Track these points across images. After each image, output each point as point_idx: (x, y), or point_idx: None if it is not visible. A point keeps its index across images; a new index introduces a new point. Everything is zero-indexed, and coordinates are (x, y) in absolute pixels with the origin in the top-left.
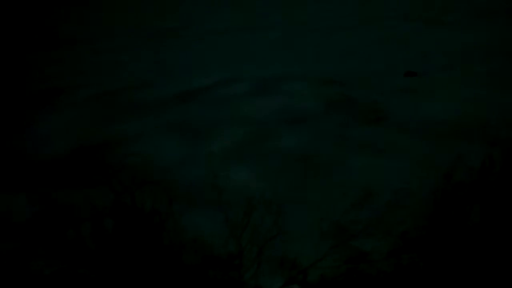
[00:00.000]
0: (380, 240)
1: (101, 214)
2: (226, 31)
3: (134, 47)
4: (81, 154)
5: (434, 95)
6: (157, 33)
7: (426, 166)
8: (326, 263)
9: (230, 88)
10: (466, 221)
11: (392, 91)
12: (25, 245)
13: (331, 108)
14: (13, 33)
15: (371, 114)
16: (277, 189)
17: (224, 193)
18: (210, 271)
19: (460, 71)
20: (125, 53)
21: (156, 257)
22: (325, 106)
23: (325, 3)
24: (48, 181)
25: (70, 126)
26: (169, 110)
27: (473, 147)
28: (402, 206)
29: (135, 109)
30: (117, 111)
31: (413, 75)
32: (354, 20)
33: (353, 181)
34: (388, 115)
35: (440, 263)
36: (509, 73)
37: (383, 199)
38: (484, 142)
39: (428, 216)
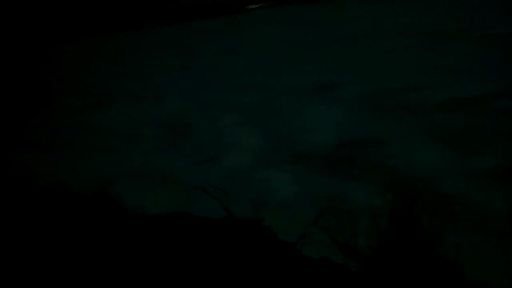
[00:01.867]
0: None
1: (376, 214)
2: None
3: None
4: (344, 148)
5: None
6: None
7: None
8: None
9: (499, 103)
10: None
11: None
12: None
13: None
14: None
15: None
16: None
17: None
18: None
19: None
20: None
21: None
22: None
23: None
24: (312, 168)
25: (336, 120)
26: (434, 117)
27: None
28: None
29: (399, 111)
30: (381, 111)
31: None
32: None
33: None
34: None
35: None
36: None
37: None
38: None
39: None
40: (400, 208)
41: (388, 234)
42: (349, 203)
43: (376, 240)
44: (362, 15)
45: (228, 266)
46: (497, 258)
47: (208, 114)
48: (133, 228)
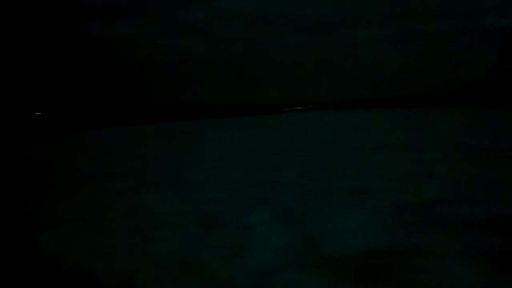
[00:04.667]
0: None
1: None
2: None
3: None
4: (370, 256)
5: None
6: None
7: None
8: None
9: None
10: None
11: None
12: None
13: None
14: None
15: None
16: None
17: None
18: None
19: None
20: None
21: None
22: None
23: None
24: (338, 274)
25: (369, 227)
26: (475, 234)
27: None
28: None
29: (436, 225)
30: (418, 222)
31: None
32: None
33: None
34: None
35: None
36: None
37: None
38: None
39: None
40: None
41: None
42: None
43: None
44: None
45: None
46: None
47: (240, 209)
48: None
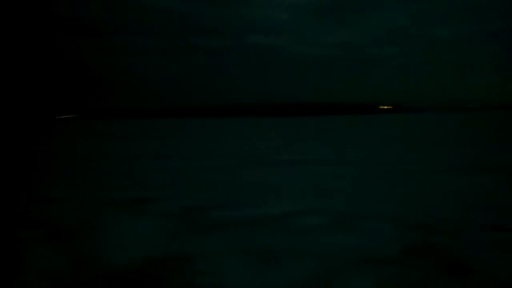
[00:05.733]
0: None
1: None
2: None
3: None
4: (151, 265)
5: None
6: None
7: None
8: None
9: (302, 220)
10: None
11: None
12: None
13: (409, 253)
14: None
15: (456, 266)
16: None
17: None
18: None
19: None
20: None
21: None
22: (403, 250)
23: None
24: None
25: (146, 235)
26: (241, 233)
27: None
28: None
29: (209, 228)
30: (192, 228)
31: (503, 229)
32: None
33: None
34: (474, 270)
35: None
36: None
37: None
38: None
39: None
40: None
41: None
42: None
43: None
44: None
45: None
46: None
47: None
48: None
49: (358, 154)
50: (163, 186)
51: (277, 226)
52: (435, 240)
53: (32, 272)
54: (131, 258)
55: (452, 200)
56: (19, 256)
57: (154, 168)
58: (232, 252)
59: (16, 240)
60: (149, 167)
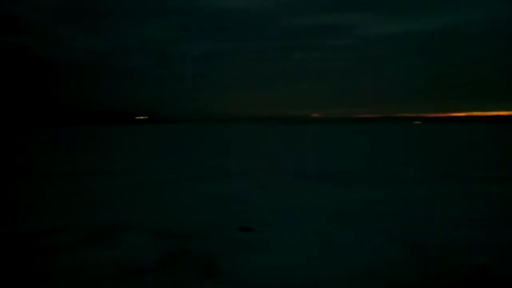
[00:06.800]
0: None
1: None
2: None
3: None
4: None
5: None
6: None
7: None
8: None
9: (57, 237)
10: None
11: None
12: None
13: (168, 261)
14: None
15: (207, 268)
16: None
17: None
18: None
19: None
20: None
21: None
22: (162, 258)
23: None
24: None
25: None
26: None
27: None
28: None
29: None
30: None
31: (248, 230)
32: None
33: None
34: (223, 269)
35: None
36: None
37: None
38: None
39: None
40: None
41: None
42: None
43: None
44: None
45: None
46: None
47: None
48: None
49: (122, 165)
50: None
51: (30, 245)
52: (190, 246)
53: None
54: None
55: (207, 204)
56: None
57: None
58: None
59: None
60: None
